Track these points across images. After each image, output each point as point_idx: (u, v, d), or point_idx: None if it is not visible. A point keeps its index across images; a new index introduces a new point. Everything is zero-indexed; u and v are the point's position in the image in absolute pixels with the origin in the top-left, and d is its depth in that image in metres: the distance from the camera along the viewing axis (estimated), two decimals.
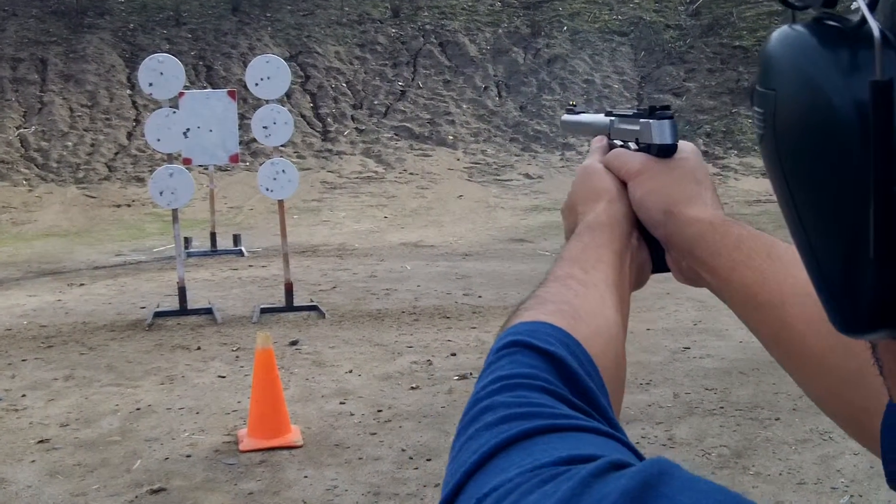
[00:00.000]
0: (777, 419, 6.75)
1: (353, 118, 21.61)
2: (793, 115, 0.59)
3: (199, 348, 9.00)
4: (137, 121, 20.30)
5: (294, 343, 9.06)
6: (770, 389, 7.33)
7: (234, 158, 11.04)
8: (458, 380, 7.80)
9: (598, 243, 1.13)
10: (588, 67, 23.12)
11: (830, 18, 0.59)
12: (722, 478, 5.80)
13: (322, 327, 9.72)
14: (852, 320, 0.58)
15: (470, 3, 25.14)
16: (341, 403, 7.37)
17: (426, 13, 24.70)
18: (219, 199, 16.09)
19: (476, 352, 8.61)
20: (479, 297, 10.95)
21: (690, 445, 6.35)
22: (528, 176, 19.85)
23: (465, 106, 22.11)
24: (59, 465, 6.26)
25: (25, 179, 18.89)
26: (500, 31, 24.24)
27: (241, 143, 11.73)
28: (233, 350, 8.90)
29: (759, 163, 18.40)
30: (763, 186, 17.52)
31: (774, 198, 0.65)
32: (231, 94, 11.06)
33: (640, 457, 0.73)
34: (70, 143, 19.85)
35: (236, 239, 14.80)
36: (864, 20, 0.55)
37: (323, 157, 20.30)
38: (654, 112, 1.22)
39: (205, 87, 19.59)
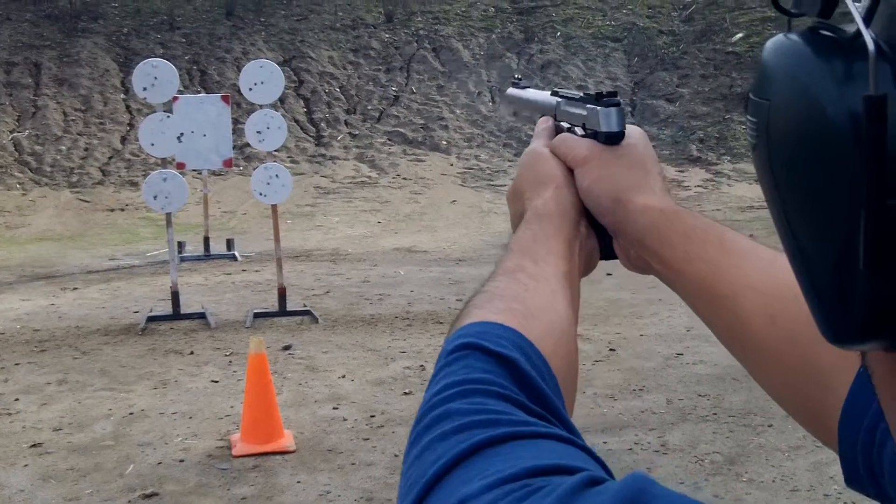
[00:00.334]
0: (770, 426, 6.75)
1: (346, 123, 21.60)
2: (787, 125, 0.59)
3: (192, 353, 8.99)
4: (131, 125, 20.27)
5: (287, 348, 9.05)
6: (763, 396, 7.26)
7: (228, 163, 11.02)
8: None
9: (548, 233, 1.11)
10: (581, 73, 23.13)
11: (826, 28, 0.59)
12: (715, 484, 5.81)
13: (315, 332, 9.71)
14: (842, 331, 0.58)
15: (463, 9, 25.15)
16: (334, 408, 7.37)
17: (420, 18, 24.70)
18: (212, 203, 16.08)
19: None
20: None
21: (683, 452, 6.36)
22: None
23: (458, 111, 22.11)
24: (52, 470, 6.25)
25: (19, 183, 18.86)
26: (494, 36, 24.24)
27: (234, 147, 11.70)
28: (226, 355, 8.89)
29: (752, 169, 18.36)
30: (756, 193, 17.52)
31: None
32: (225, 98, 11.05)
33: (598, 461, 0.73)
34: (64, 148, 19.82)
35: (230, 243, 14.78)
36: (860, 31, 0.54)
37: (316, 162, 20.28)
38: (602, 98, 1.19)
39: (199, 92, 19.58)
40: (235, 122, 13.64)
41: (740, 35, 23.13)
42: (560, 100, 1.32)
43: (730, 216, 16.29)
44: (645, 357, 8.52)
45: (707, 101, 22.05)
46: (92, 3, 23.96)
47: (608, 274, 9.83)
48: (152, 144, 10.10)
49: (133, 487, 5.96)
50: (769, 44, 0.63)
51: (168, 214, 10.31)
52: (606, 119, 1.17)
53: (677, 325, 9.55)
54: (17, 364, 8.71)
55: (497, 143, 21.25)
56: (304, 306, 10.62)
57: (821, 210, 0.57)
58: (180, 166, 10.55)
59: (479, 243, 15.63)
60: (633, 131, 1.19)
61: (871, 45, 0.53)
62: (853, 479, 0.87)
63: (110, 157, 19.85)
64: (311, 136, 21.08)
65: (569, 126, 1.27)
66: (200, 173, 14.96)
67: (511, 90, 1.54)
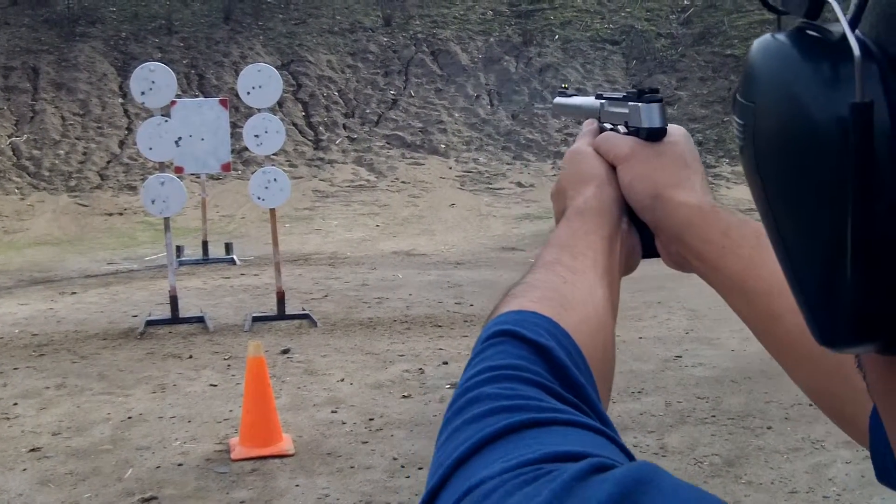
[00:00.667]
0: (769, 428, 6.75)
1: (344, 127, 21.61)
2: (772, 128, 0.58)
3: (190, 357, 8.99)
4: (129, 129, 20.27)
5: (286, 351, 9.05)
6: (762, 398, 7.33)
7: (226, 167, 11.05)
8: (449, 388, 7.79)
9: (588, 228, 1.12)
10: (580, 76, 23.14)
11: (813, 29, 0.58)
12: (714, 486, 5.81)
13: (314, 336, 9.71)
14: (831, 334, 0.57)
15: (462, 12, 25.16)
16: (333, 412, 7.36)
17: (418, 22, 24.71)
18: (211, 207, 16.08)
19: (468, 360, 8.59)
20: (471, 305, 10.95)
21: (682, 454, 6.36)
22: (519, 184, 19.86)
23: (456, 114, 22.11)
24: (50, 474, 6.25)
25: (17, 188, 18.86)
26: (492, 39, 24.25)
27: (232, 151, 11.72)
28: (224, 358, 8.89)
29: None
30: None
31: None
32: (223, 102, 11.07)
33: (627, 453, 0.73)
34: (62, 152, 19.82)
35: (228, 247, 14.78)
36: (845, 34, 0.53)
37: (315, 166, 20.29)
38: (643, 95, 1.20)
39: (197, 96, 19.59)
40: (234, 125, 13.67)
41: None
42: (604, 101, 1.33)
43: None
44: (644, 359, 8.52)
45: (705, 104, 22.07)
46: (90, 7, 23.97)
47: None
48: (150, 148, 10.10)
49: (132, 491, 5.96)
50: (756, 44, 0.62)
51: (166, 218, 10.31)
52: (648, 115, 1.18)
53: (676, 328, 9.55)
54: (15, 368, 8.70)
55: (495, 146, 21.25)
56: (303, 310, 10.62)
57: (807, 214, 0.56)
58: (178, 170, 10.57)
59: (477, 246, 15.63)
60: (674, 129, 1.21)
61: (856, 50, 0.52)
62: (884, 475, 0.87)
63: (108, 162, 19.85)
64: (309, 140, 21.08)
65: (612, 126, 1.28)
66: (199, 177, 14.97)
67: (558, 99, 1.56)
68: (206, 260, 14.42)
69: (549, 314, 0.91)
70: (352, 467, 6.25)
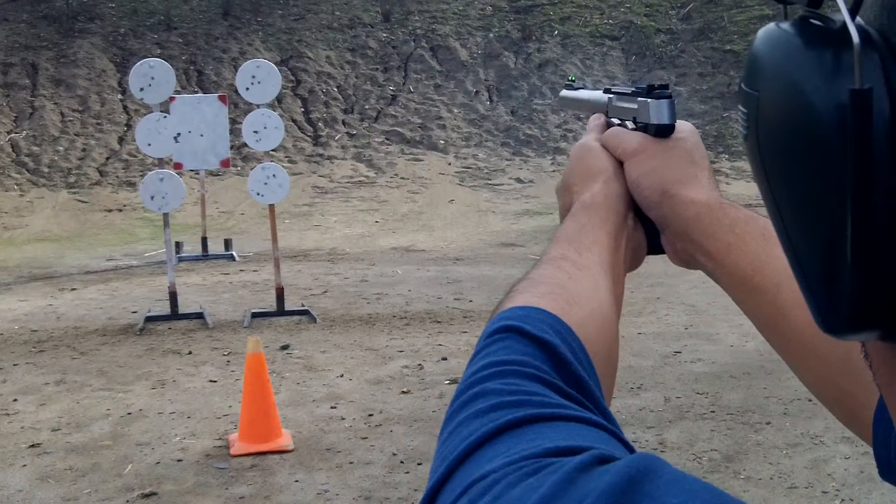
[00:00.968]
0: (768, 423, 6.76)
1: (344, 123, 21.60)
2: (775, 117, 0.58)
3: (190, 353, 8.99)
4: (128, 125, 20.26)
5: (285, 347, 9.05)
6: (761, 394, 7.33)
7: (225, 163, 11.03)
8: (448, 384, 7.80)
9: (594, 224, 1.12)
10: (579, 72, 23.12)
11: (816, 18, 0.58)
12: (713, 482, 5.79)
13: (313, 332, 9.71)
14: (834, 321, 0.58)
15: (461, 8, 25.15)
16: (332, 408, 7.37)
17: (417, 18, 24.70)
18: (210, 203, 16.08)
19: (467, 356, 8.55)
20: (470, 301, 10.95)
21: (681, 449, 6.36)
22: (519, 180, 19.86)
23: (456, 110, 22.11)
24: (50, 470, 6.25)
25: (16, 184, 18.85)
26: (491, 35, 24.24)
27: (231, 147, 11.71)
28: (224, 354, 8.89)
29: (750, 167, 18.39)
30: (754, 191, 17.38)
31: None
32: (222, 98, 11.05)
33: (630, 449, 0.73)
34: (61, 148, 19.81)
35: (227, 243, 14.78)
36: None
37: (314, 162, 20.28)
38: (653, 91, 1.20)
39: (196, 92, 19.57)
40: (233, 122, 13.65)
41: None
42: (612, 96, 1.32)
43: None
44: (643, 355, 8.52)
45: (705, 100, 22.07)
46: (89, 3, 23.95)
47: None
48: (149, 145, 10.10)
49: (131, 487, 5.96)
50: (760, 33, 0.62)
51: (165, 215, 10.31)
52: (657, 111, 1.18)
53: (675, 324, 9.56)
54: (15, 364, 8.71)
55: (495, 142, 21.25)
56: (302, 306, 10.62)
57: (809, 202, 0.57)
58: (177, 166, 10.55)
59: (476, 242, 15.64)
60: (683, 126, 1.21)
61: (855, 38, 0.52)
62: (886, 471, 0.88)
63: (108, 158, 19.84)
64: (308, 136, 21.08)
65: (620, 121, 1.27)
66: (198, 173, 14.97)
67: (564, 92, 1.55)
68: (205, 256, 14.42)
69: (554, 310, 0.91)
70: (351, 463, 6.26)
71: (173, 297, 10.22)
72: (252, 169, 11.21)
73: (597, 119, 1.34)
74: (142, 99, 10.38)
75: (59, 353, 9.06)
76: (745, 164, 19.37)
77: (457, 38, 24.07)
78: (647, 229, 1.20)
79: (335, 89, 22.44)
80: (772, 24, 0.62)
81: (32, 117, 20.50)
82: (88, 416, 7.28)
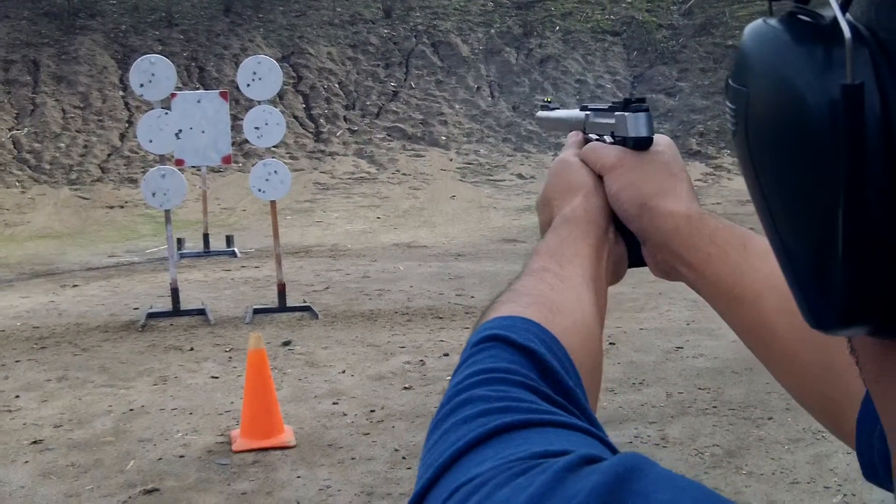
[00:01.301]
0: (770, 418, 6.76)
1: (345, 119, 21.60)
2: (765, 113, 0.58)
3: (191, 349, 9.00)
4: (130, 122, 20.28)
5: (287, 343, 9.06)
6: (763, 389, 7.33)
7: (227, 159, 11.02)
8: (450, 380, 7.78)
9: (575, 237, 1.12)
10: (580, 67, 23.13)
11: (804, 13, 0.58)
12: (715, 477, 5.81)
13: (315, 328, 9.71)
14: (823, 316, 0.58)
15: (462, 4, 25.14)
16: (334, 404, 7.37)
17: (418, 13, 24.69)
18: (211, 200, 16.09)
19: None
20: (472, 297, 10.95)
21: (683, 445, 6.36)
22: (520, 176, 19.86)
23: (457, 106, 22.10)
24: (52, 466, 6.25)
25: (18, 181, 18.86)
26: (493, 31, 24.24)
27: (233, 144, 11.70)
28: (226, 351, 8.89)
29: None
30: None
31: None
32: (223, 95, 11.05)
33: (616, 453, 0.73)
34: (63, 145, 19.82)
35: (229, 240, 14.79)
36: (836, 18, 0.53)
37: (315, 158, 20.28)
38: (630, 105, 1.20)
39: (197, 89, 19.58)
40: (234, 118, 13.65)
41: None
42: (589, 112, 1.33)
43: (729, 210, 16.30)
44: (645, 351, 8.52)
45: (706, 95, 22.05)
46: (90, 0, 23.95)
47: None
48: (150, 141, 10.10)
49: (133, 483, 5.96)
50: (748, 29, 0.62)
51: (167, 211, 10.31)
52: (635, 124, 1.18)
53: (677, 319, 9.56)
54: (17, 361, 8.71)
55: (496, 138, 21.24)
56: (304, 302, 10.63)
57: (800, 197, 0.57)
58: (179, 163, 10.55)
59: (478, 238, 15.64)
60: (660, 139, 1.21)
61: (847, 32, 0.52)
62: (869, 473, 0.88)
63: (109, 155, 19.85)
64: (310, 132, 21.08)
65: (598, 137, 1.28)
66: (199, 170, 14.97)
67: (541, 112, 1.55)
68: (207, 252, 14.43)
69: (539, 320, 0.92)
70: (353, 459, 6.26)
71: (175, 293, 10.23)
72: (253, 165, 11.21)
73: (574, 136, 1.34)
74: (142, 95, 10.39)
75: (61, 350, 9.07)
76: None
77: (458, 33, 24.06)
78: (628, 242, 1.20)
79: (336, 85, 22.44)
80: (759, 21, 0.62)
81: (34, 114, 20.50)
82: (90, 413, 7.29)
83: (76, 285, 12.29)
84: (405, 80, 22.81)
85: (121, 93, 21.26)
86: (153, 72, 9.99)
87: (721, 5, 24.44)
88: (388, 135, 21.19)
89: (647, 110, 1.19)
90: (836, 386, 0.96)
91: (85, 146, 19.91)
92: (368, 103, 22.09)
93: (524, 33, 24.14)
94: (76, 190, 18.66)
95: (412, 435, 6.62)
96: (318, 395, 7.59)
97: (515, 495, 0.62)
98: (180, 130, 10.36)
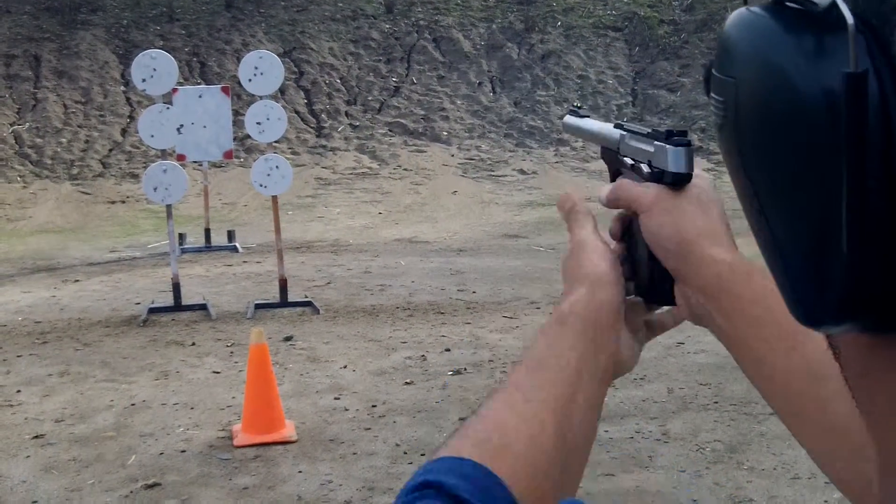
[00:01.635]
0: (771, 414, 6.73)
1: (347, 114, 21.59)
2: (755, 102, 0.57)
3: (193, 344, 9.00)
4: (131, 117, 20.26)
5: (288, 339, 9.06)
6: None
7: (228, 155, 11.03)
8: (452, 375, 7.80)
9: (563, 345, 1.08)
10: (582, 63, 23.12)
11: (793, 1, 0.56)
12: (716, 472, 5.82)
13: (316, 323, 9.72)
14: (817, 313, 0.56)
15: None
16: (335, 399, 7.37)
17: (420, 9, 24.67)
18: (213, 195, 16.08)
19: (470, 347, 8.62)
20: (474, 292, 10.95)
21: (684, 440, 6.36)
22: (522, 171, 19.85)
23: (459, 102, 22.09)
24: (53, 461, 6.26)
25: (20, 176, 18.86)
26: (494, 26, 24.21)
27: (234, 139, 11.70)
28: (227, 346, 8.90)
29: None
30: None
31: None
32: (225, 90, 11.05)
33: None
34: (64, 140, 19.82)
35: (230, 235, 14.78)
36: (832, 5, 0.52)
37: (317, 153, 20.28)
38: (671, 137, 1.13)
39: (198, 84, 19.56)
40: (236, 113, 13.63)
41: None
42: (625, 133, 1.25)
43: (730, 206, 16.24)
44: (646, 346, 8.49)
45: None
46: None
47: None
48: (152, 136, 10.10)
49: (135, 478, 5.97)
50: (732, 17, 0.61)
51: (168, 206, 10.32)
52: (675, 159, 1.12)
53: None
54: (18, 356, 8.72)
55: (498, 133, 21.24)
56: (306, 297, 10.63)
57: (794, 192, 0.55)
58: (180, 158, 10.55)
59: (479, 234, 15.63)
60: (700, 176, 1.14)
61: (849, 19, 0.51)
62: None
63: (111, 150, 19.85)
64: (311, 128, 21.07)
65: (632, 161, 1.20)
66: (201, 165, 14.96)
67: (569, 118, 1.45)
68: (208, 247, 14.42)
69: (486, 459, 0.94)
70: (354, 454, 6.27)
71: (176, 288, 10.23)
72: (255, 160, 11.22)
73: (572, 204, 1.22)
74: (144, 90, 10.38)
75: (63, 345, 9.07)
76: None
77: (460, 29, 24.04)
78: (662, 278, 1.14)
79: (338, 81, 22.43)
80: (743, 9, 0.60)
81: (35, 109, 20.50)
82: (92, 408, 7.29)
83: (78, 280, 12.29)
84: (407, 75, 22.80)
85: (122, 88, 21.25)
86: (155, 67, 9.99)
87: (722, 1, 24.41)
88: (390, 130, 21.19)
89: (688, 144, 1.13)
90: (846, 441, 0.96)
91: (86, 141, 19.91)
92: (370, 98, 22.08)
93: (526, 28, 24.12)
94: (78, 185, 18.67)
95: (413, 430, 6.63)
96: (319, 390, 7.60)
97: None
98: (182, 125, 10.36)
